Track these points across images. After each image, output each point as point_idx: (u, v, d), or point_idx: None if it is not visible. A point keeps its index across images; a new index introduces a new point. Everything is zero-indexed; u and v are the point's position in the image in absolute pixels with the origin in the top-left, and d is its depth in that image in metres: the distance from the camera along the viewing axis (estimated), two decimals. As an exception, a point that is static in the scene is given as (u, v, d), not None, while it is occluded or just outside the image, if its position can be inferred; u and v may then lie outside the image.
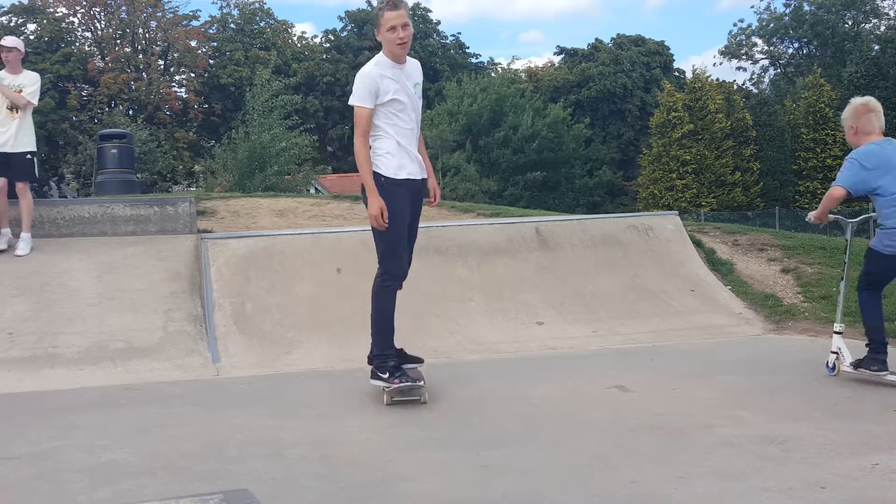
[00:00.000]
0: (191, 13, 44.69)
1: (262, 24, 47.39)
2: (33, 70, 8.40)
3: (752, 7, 71.06)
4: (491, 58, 61.74)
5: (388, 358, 4.41)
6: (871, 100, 5.16)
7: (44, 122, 36.56)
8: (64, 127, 37.34)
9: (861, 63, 36.08)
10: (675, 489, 3.35)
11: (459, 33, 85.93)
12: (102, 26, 43.30)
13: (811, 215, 5.38)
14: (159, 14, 42.80)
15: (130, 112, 39.25)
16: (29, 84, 7.65)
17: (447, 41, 49.72)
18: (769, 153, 34.55)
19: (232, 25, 46.06)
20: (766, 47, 48.69)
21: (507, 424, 4.37)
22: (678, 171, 34.05)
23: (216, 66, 42.89)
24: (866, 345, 5.17)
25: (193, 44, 43.53)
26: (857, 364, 5.12)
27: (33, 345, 6.21)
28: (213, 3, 78.40)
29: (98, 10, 42.74)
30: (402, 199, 4.36)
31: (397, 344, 4.52)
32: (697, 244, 8.91)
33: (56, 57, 38.50)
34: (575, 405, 4.77)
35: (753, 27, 48.55)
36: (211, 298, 6.90)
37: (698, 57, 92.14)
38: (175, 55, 43.26)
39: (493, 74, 42.48)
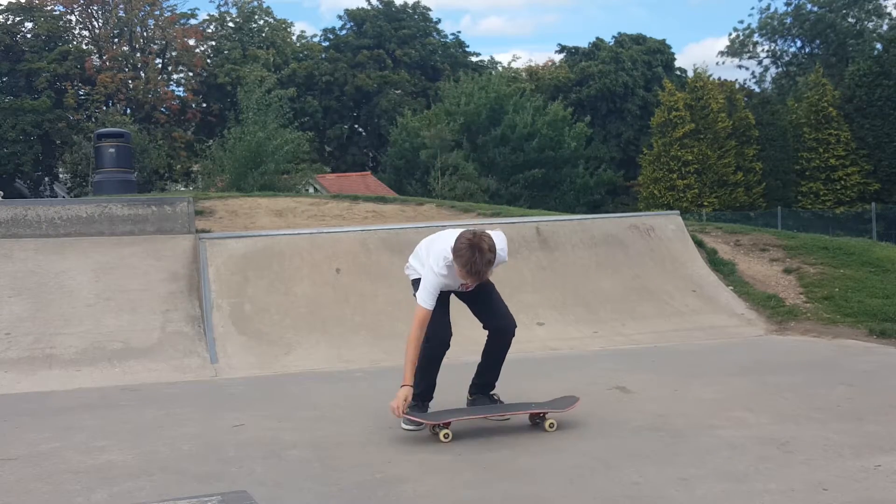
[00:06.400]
0: (189, 11, 44.71)
1: (260, 23, 47.37)
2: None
3: (753, 8, 71.09)
4: (492, 56, 61.70)
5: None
6: None
7: (40, 121, 36.51)
8: (61, 126, 37.28)
9: (864, 62, 36.07)
10: (676, 491, 3.32)
11: (459, 32, 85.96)
12: (100, 24, 43.23)
13: None
14: (157, 12, 42.77)
15: (128, 111, 39.20)
16: None
17: (447, 40, 49.68)
18: (771, 153, 34.48)
19: (230, 24, 46.03)
20: (767, 46, 48.75)
21: (508, 426, 4.35)
22: (679, 171, 33.96)
23: (214, 66, 42.84)
24: None
25: (191, 42, 43.50)
26: None
27: (31, 345, 6.18)
28: (210, 1, 78.57)
29: (96, 8, 42.64)
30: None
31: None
32: (699, 244, 8.90)
33: (53, 55, 38.36)
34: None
35: (753, 27, 48.61)
36: (209, 299, 6.87)
37: (696, 45, 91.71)
38: (173, 54, 43.21)
39: (492, 73, 42.43)
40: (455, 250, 3.99)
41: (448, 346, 4.27)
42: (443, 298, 4.31)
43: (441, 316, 4.27)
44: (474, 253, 3.90)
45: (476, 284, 4.26)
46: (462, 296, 4.43)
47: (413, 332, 4.13)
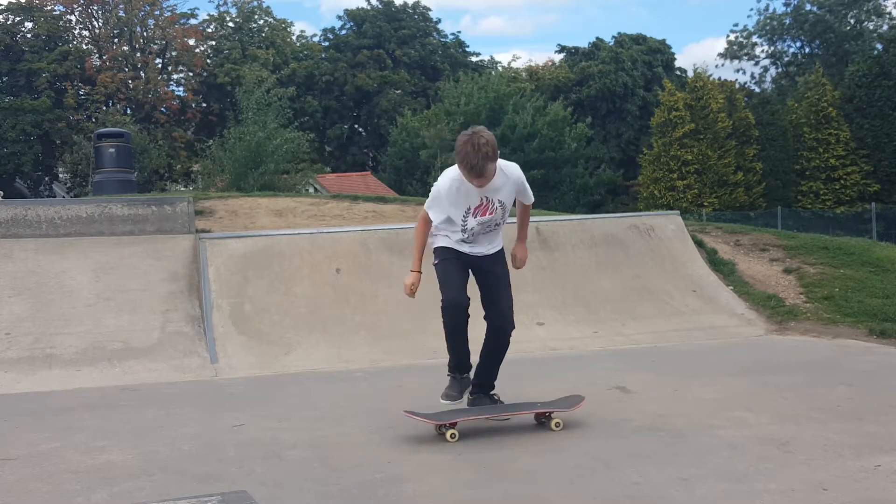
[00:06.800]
0: (189, 11, 44.69)
1: (260, 23, 47.38)
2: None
3: (752, 9, 71.03)
4: (492, 56, 61.61)
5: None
6: None
7: (40, 121, 36.50)
8: (61, 126, 37.28)
9: (863, 62, 36.08)
10: (676, 491, 3.32)
11: (459, 32, 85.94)
12: (100, 24, 43.25)
13: None
14: (157, 12, 42.78)
15: (128, 111, 39.20)
16: None
17: (447, 40, 49.66)
18: (771, 153, 34.47)
19: (230, 24, 46.03)
20: (766, 47, 48.74)
21: (508, 425, 4.35)
22: (679, 171, 33.94)
23: (214, 66, 42.82)
24: None
25: (191, 42, 43.50)
26: None
27: (31, 345, 6.19)
28: (210, 1, 78.54)
29: (96, 7, 42.67)
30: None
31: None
32: (699, 244, 8.90)
33: (53, 55, 38.34)
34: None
35: (751, 28, 48.64)
36: (209, 299, 6.88)
37: (696, 45, 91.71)
38: (173, 54, 43.22)
39: (492, 73, 42.41)
40: (455, 150, 4.11)
41: (465, 312, 4.27)
42: (459, 264, 4.38)
43: (455, 273, 4.33)
44: (469, 146, 4.01)
45: (487, 211, 4.32)
46: (476, 271, 4.46)
47: (417, 225, 4.43)
